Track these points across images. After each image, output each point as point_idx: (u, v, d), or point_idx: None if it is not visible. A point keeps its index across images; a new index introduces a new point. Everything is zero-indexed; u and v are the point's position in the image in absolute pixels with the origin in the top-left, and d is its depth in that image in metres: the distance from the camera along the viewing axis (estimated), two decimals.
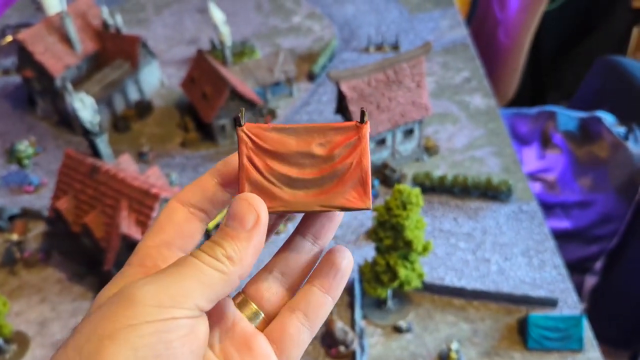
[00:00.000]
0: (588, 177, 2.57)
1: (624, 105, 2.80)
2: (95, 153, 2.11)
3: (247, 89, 2.96)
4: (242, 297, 0.51)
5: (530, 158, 2.84)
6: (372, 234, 1.83)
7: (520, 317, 1.91)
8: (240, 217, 0.46)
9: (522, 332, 1.87)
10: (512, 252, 2.20)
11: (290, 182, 0.47)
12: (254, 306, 0.51)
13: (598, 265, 2.65)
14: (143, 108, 3.22)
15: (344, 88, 2.39)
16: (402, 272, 1.78)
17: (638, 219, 2.47)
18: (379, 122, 2.49)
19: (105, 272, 2.04)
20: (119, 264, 1.99)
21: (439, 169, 2.66)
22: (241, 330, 0.49)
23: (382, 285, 1.86)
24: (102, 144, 2.08)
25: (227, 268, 0.44)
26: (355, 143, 0.48)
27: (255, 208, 0.47)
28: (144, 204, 1.88)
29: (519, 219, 2.34)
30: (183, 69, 3.52)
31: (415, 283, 1.86)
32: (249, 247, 0.46)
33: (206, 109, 2.86)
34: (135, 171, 2.21)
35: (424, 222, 1.79)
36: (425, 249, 1.78)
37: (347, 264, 0.51)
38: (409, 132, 2.61)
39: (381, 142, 2.58)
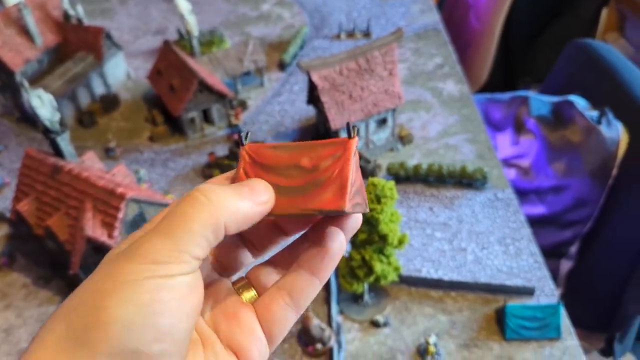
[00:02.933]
0: (562, 162, 2.56)
1: (595, 88, 2.80)
2: (57, 152, 2.01)
3: (216, 80, 2.88)
4: (244, 281, 0.54)
5: (504, 144, 2.83)
6: None
7: (498, 307, 1.89)
8: (255, 188, 0.48)
9: (500, 322, 1.85)
10: (488, 240, 2.18)
11: (277, 190, 0.50)
12: (253, 290, 0.53)
13: (573, 249, 2.66)
14: (109, 102, 3.12)
15: (315, 78, 2.34)
16: (378, 267, 1.75)
17: (611, 203, 2.48)
18: (351, 112, 2.44)
19: (71, 276, 1.97)
20: (86, 267, 1.91)
21: (414, 158, 2.63)
22: (232, 303, 0.51)
23: (358, 280, 1.82)
24: (64, 142, 1.98)
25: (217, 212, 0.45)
26: (340, 155, 0.49)
27: (271, 193, 0.49)
28: (110, 205, 1.81)
29: (495, 207, 2.32)
30: (150, 60, 3.41)
31: (392, 277, 1.83)
32: (247, 212, 0.46)
33: (174, 102, 2.77)
34: (100, 169, 2.12)
35: (399, 214, 1.75)
36: (401, 242, 1.75)
37: (338, 247, 0.51)
38: (382, 122, 2.57)
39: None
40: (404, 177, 2.44)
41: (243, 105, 3.05)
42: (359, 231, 1.73)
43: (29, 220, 2.00)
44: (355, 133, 0.50)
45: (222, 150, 2.75)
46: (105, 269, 0.43)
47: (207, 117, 2.89)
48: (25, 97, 2.48)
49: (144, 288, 0.40)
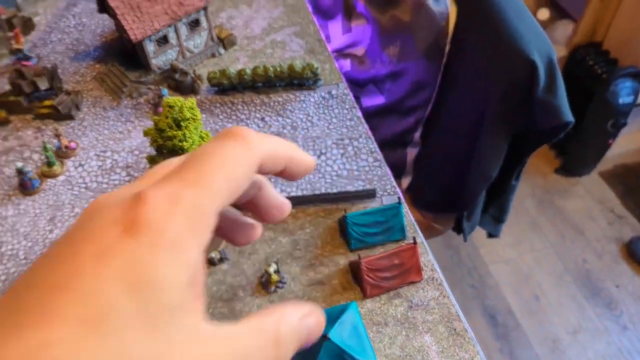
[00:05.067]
0: (395, 45, 2.40)
1: None
2: None
3: None
4: None
5: (337, 33, 2.60)
6: (153, 163, 1.49)
7: (339, 217, 1.75)
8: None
9: (344, 234, 1.72)
10: (325, 144, 2.00)
11: (387, 279, 1.45)
12: None
13: (416, 135, 2.59)
14: None
15: None
16: None
17: (446, 82, 2.39)
18: (153, 18, 2.04)
19: None
20: None
21: (239, 62, 2.32)
22: None
23: None
24: None
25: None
26: (412, 254, 1.47)
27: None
28: None
29: (330, 106, 2.13)
30: None
31: None
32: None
33: None
34: None
35: (210, 136, 1.48)
36: None
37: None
38: (194, 24, 2.20)
39: (163, 40, 2.15)
40: (229, 86, 2.15)
41: (28, 23, 2.49)
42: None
43: None
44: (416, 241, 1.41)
45: (4, 85, 2.24)
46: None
47: None
48: None
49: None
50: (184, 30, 2.18)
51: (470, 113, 2.26)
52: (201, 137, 1.46)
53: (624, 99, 3.88)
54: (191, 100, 1.40)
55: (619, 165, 4.59)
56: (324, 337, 1.31)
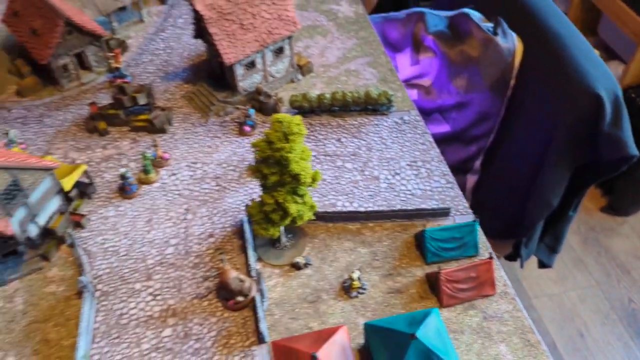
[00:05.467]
0: (462, 77, 2.55)
1: (485, 1, 2.78)
2: None
3: (86, 18, 2.53)
4: None
5: (405, 65, 2.77)
6: (256, 172, 1.65)
7: (416, 232, 1.88)
8: None
9: (420, 247, 1.84)
10: (399, 165, 2.14)
11: (463, 290, 1.66)
12: None
13: (477, 163, 2.71)
14: None
15: (200, 7, 2.10)
16: (293, 208, 1.65)
17: (510, 114, 2.52)
18: (245, 44, 2.24)
19: None
20: None
21: (316, 87, 2.50)
22: None
23: (274, 225, 1.72)
24: None
25: None
26: (488, 268, 1.68)
27: None
28: None
29: (402, 131, 2.28)
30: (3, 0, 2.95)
31: (308, 216, 1.74)
32: None
33: (39, 48, 2.41)
34: None
35: (309, 150, 1.64)
36: (314, 179, 1.65)
37: None
38: (279, 51, 2.40)
39: (251, 65, 2.34)
40: (308, 109, 2.32)
41: (122, 45, 2.73)
42: (270, 174, 1.60)
43: None
44: (492, 255, 1.68)
45: (105, 99, 2.46)
46: None
47: (82, 63, 2.56)
48: None
49: None
50: (269, 56, 2.37)
51: (534, 144, 2.38)
52: (302, 151, 1.62)
53: None
54: (297, 117, 1.56)
55: None
56: (412, 336, 1.42)
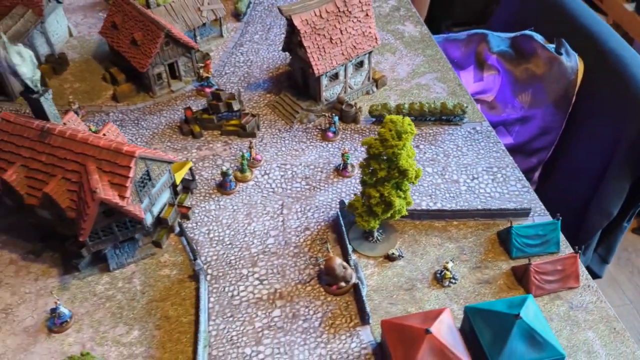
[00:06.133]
0: (527, 93, 2.73)
1: (543, 23, 2.97)
2: (39, 114, 1.87)
3: (179, 32, 2.75)
4: None
5: (468, 81, 2.96)
6: (366, 167, 1.83)
7: (499, 230, 2.03)
8: None
9: (503, 244, 1.99)
10: (476, 170, 2.31)
11: (550, 282, 1.94)
12: None
13: (536, 175, 2.87)
14: (57, 62, 2.89)
15: (297, 22, 2.30)
16: (397, 202, 1.82)
17: (570, 128, 2.69)
18: (332, 57, 2.44)
19: (71, 245, 1.88)
20: (93, 234, 1.83)
21: (390, 99, 2.69)
22: None
23: (375, 218, 1.89)
24: (47, 103, 1.84)
25: None
26: (573, 262, 1.99)
27: None
28: (117, 164, 1.73)
29: (476, 140, 2.45)
30: (90, 15, 3.19)
31: (404, 211, 1.91)
32: None
33: (139, 57, 2.62)
34: (85, 130, 2.01)
35: (413, 150, 1.81)
36: (417, 176, 1.82)
37: None
38: (359, 65, 2.59)
39: (334, 77, 2.54)
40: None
41: (206, 57, 2.95)
42: (379, 169, 1.78)
43: (18, 190, 1.86)
44: (578, 251, 1.87)
45: (194, 105, 2.67)
46: None
47: (172, 72, 2.77)
48: (1, 54, 2.22)
49: None
50: (350, 69, 2.57)
51: (593, 156, 2.54)
52: (410, 149, 1.79)
53: None
54: (408, 118, 1.74)
55: None
56: (517, 316, 1.57)
